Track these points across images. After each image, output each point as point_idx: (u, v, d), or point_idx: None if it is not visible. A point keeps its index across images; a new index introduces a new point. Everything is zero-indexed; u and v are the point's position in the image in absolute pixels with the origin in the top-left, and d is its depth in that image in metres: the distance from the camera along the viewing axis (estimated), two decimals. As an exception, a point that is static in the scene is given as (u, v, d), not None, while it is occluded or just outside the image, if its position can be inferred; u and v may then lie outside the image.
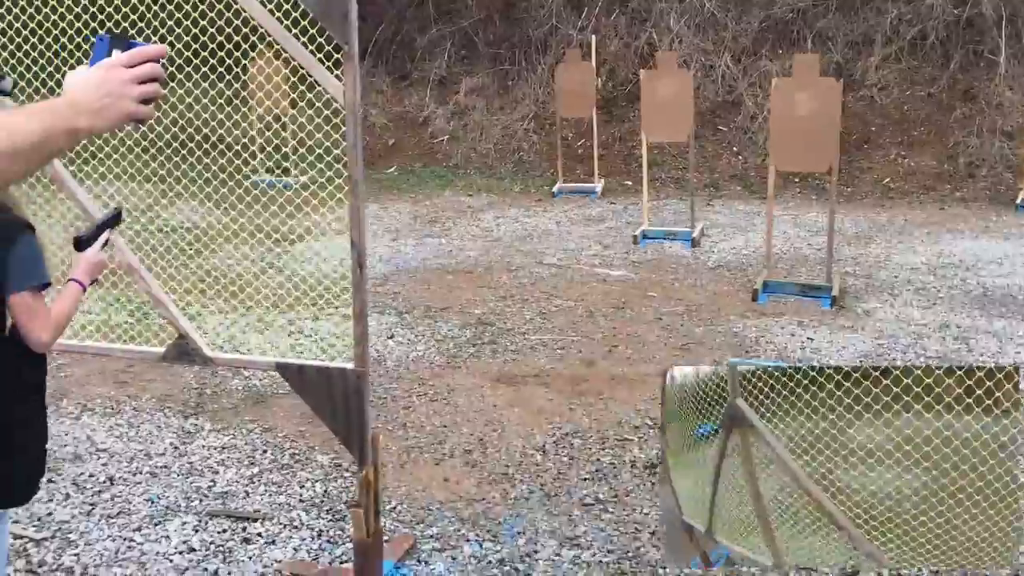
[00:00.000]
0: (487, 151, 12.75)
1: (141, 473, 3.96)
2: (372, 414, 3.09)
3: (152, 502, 3.70)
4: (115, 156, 3.94)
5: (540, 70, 13.53)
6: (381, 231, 9.08)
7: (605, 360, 5.45)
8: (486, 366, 5.38)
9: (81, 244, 2.50)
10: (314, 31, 3.08)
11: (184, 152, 4.44)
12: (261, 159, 10.98)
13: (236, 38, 3.68)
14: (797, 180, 10.92)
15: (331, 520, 3.58)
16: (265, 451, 4.20)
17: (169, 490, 3.80)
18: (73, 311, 2.40)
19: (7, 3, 3.51)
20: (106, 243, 2.58)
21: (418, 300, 6.75)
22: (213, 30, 3.75)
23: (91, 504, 3.68)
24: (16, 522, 3.53)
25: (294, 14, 3.11)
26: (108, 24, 3.67)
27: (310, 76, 2.95)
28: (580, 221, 9.69)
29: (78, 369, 5.20)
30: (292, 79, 10.15)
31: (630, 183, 11.55)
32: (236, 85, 9.86)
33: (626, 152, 12.27)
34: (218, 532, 3.47)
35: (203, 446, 4.25)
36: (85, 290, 2.46)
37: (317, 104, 3.56)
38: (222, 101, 9.17)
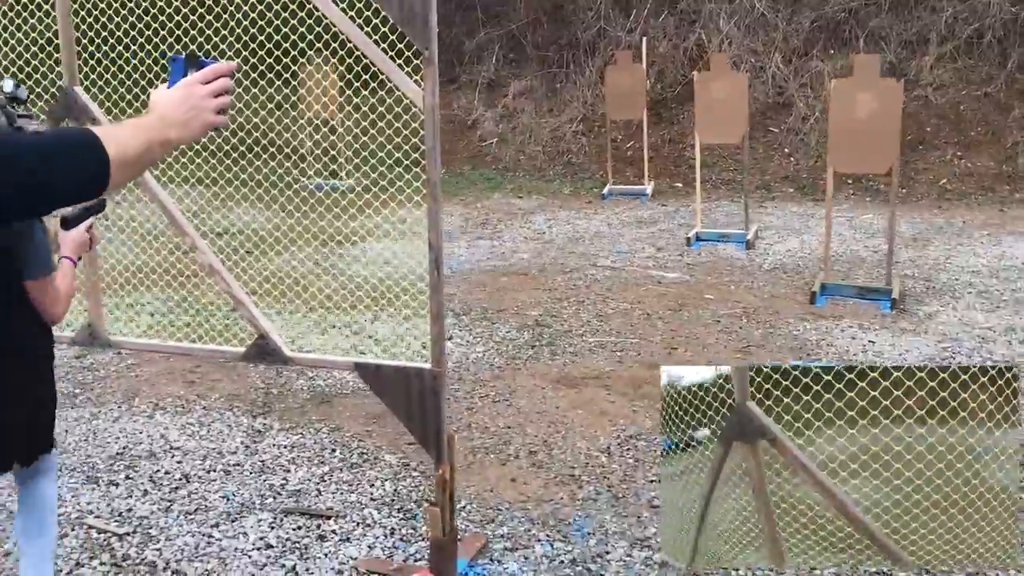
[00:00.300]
0: (536, 153, 12.79)
1: (215, 471, 4.05)
2: (447, 414, 3.12)
3: (228, 499, 3.78)
4: (171, 162, 4.04)
5: (588, 72, 13.53)
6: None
7: (665, 363, 5.45)
8: (546, 368, 5.40)
9: (68, 224, 2.71)
10: (394, 37, 3.13)
11: (235, 156, 4.54)
12: (315, 163, 11.12)
13: (285, 44, 3.77)
14: (851, 182, 10.80)
15: (403, 519, 3.63)
16: (334, 450, 4.26)
17: (243, 488, 3.88)
18: (74, 284, 2.70)
19: (95, 24, 3.62)
20: (90, 226, 2.79)
21: (474, 302, 6.79)
22: (263, 38, 3.83)
23: (169, 500, 3.77)
24: (98, 516, 3.63)
25: (374, 21, 3.17)
26: (160, 32, 3.76)
27: (390, 81, 3.00)
28: (632, 223, 9.68)
29: (147, 369, 5.32)
30: (340, 84, 10.27)
31: (680, 185, 11.52)
32: (284, 90, 10.01)
33: (676, 154, 12.23)
34: (293, 529, 3.54)
35: (273, 445, 4.32)
36: (76, 265, 2.74)
37: (399, 109, 3.61)
38: (271, 106, 9.32)
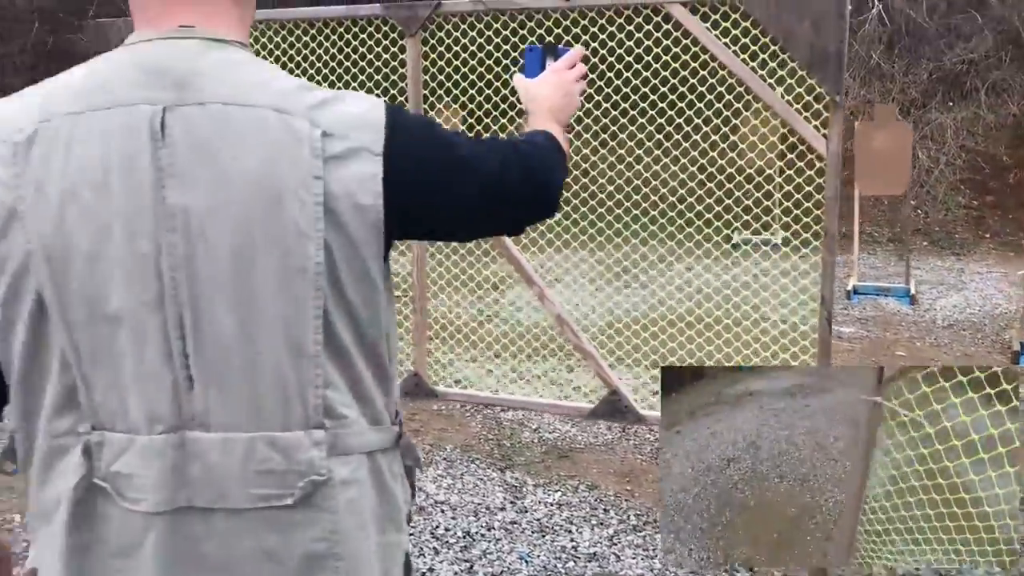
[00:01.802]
0: (649, 197, 12.64)
1: (494, 528, 3.85)
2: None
3: (526, 561, 3.58)
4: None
5: (708, 119, 13.41)
6: (579, 280, 9.01)
7: (897, 423, 5.21)
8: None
9: None
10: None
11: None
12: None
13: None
14: (988, 236, 10.56)
15: (724, 589, 3.41)
16: (606, 510, 4.05)
17: (535, 549, 3.68)
18: None
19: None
20: None
21: (671, 351, 6.60)
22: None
23: (466, 561, 3.57)
24: (402, 577, 3.44)
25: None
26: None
27: (783, 126, 2.86)
28: (775, 274, 9.46)
29: (364, 416, 5.16)
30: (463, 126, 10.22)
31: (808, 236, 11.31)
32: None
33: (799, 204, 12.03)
34: (614, 597, 3.33)
35: (539, 502, 4.12)
36: None
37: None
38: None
